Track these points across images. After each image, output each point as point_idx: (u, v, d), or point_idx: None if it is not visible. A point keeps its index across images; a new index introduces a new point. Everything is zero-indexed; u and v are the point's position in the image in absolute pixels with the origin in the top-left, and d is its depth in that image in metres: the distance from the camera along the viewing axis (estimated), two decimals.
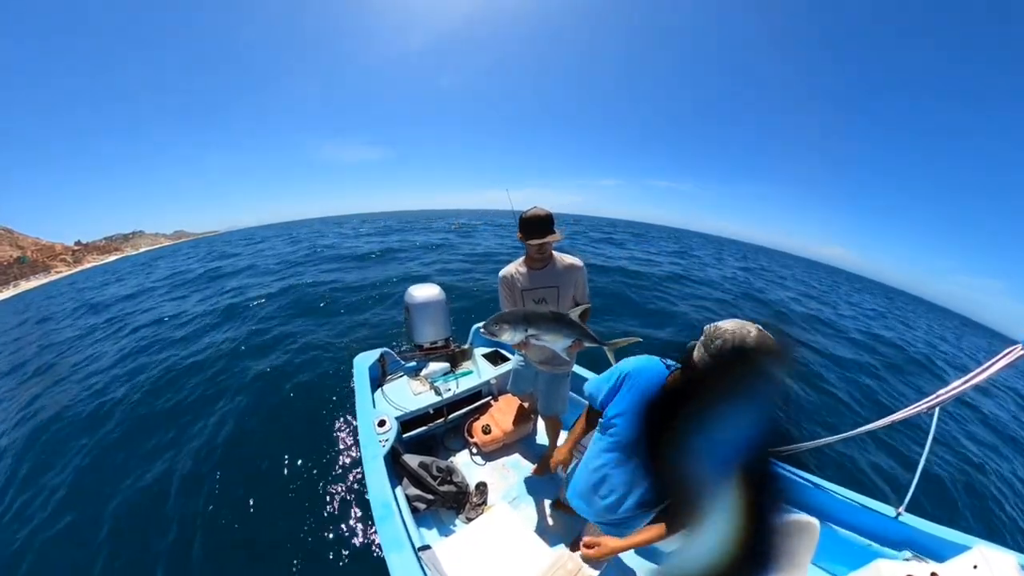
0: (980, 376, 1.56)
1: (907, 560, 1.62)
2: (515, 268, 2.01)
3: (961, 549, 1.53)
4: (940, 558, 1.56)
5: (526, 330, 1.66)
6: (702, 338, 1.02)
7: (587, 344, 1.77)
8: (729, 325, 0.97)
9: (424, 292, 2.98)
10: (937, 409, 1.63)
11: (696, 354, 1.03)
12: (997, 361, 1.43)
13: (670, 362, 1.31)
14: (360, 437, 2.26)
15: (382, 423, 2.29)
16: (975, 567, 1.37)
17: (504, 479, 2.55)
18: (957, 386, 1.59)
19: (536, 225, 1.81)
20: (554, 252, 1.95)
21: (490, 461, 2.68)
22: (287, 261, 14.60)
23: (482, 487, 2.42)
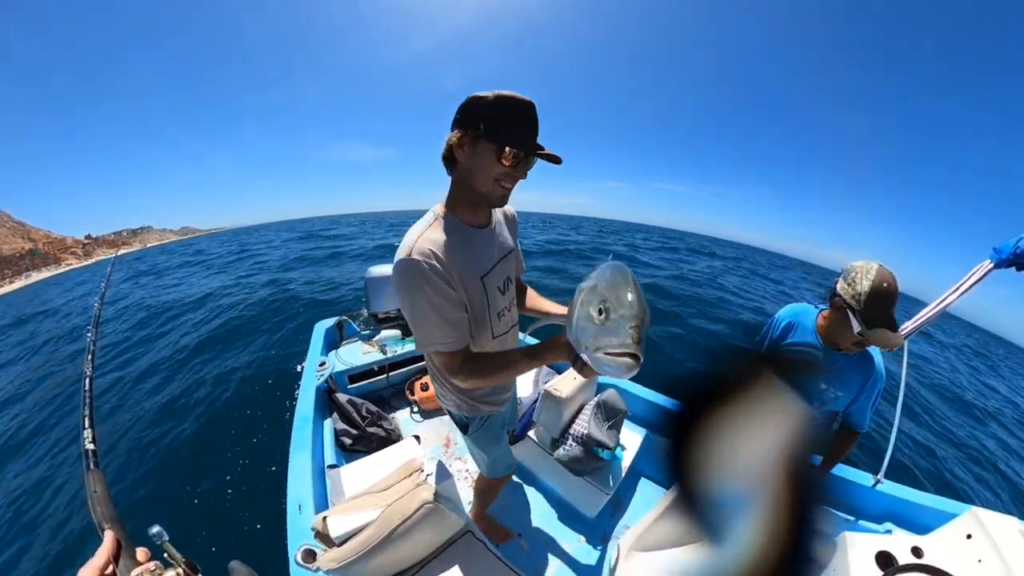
0: (954, 296, 1.47)
1: (888, 533, 1.41)
2: (432, 239, 0.92)
3: (951, 518, 1.26)
4: (927, 530, 1.30)
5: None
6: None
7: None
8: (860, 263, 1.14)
9: (380, 269, 3.23)
10: (906, 342, 1.45)
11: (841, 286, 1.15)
12: (969, 279, 1.48)
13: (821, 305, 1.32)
14: (302, 380, 2.47)
15: (322, 364, 2.54)
16: (968, 536, 1.12)
17: (439, 435, 2.70)
18: (932, 309, 1.48)
19: (520, 114, 0.81)
20: None
21: (428, 419, 2.81)
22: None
23: (416, 439, 2.56)
